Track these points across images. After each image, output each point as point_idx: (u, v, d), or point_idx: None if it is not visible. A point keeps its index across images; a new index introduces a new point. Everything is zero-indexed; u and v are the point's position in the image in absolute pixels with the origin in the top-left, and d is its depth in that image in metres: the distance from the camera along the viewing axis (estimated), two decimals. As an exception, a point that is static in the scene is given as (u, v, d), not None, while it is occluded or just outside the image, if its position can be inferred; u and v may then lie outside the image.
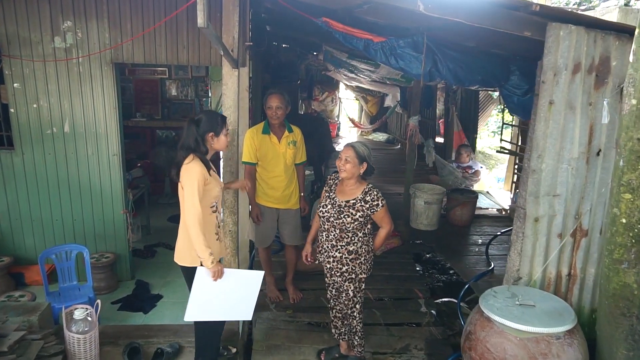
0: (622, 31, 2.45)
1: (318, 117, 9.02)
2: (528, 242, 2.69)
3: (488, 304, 2.48)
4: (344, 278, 3.01)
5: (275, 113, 3.56)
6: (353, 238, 2.93)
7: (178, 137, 7.37)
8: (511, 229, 4.89)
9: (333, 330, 3.30)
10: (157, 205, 6.85)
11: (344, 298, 3.08)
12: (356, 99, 13.99)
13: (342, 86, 12.88)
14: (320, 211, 3.01)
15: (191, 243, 2.58)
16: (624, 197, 2.10)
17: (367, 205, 2.87)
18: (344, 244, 2.94)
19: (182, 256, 2.78)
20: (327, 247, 3.02)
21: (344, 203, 2.90)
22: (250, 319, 2.86)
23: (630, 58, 2.01)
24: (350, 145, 2.90)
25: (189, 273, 2.73)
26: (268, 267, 4.08)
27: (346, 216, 2.89)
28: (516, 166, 6.41)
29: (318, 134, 6.13)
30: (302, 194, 3.92)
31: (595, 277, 2.81)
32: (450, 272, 4.98)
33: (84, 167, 4.34)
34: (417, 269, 5.01)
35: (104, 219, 4.49)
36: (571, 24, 2.34)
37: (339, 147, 9.61)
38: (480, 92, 7.03)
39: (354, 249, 2.94)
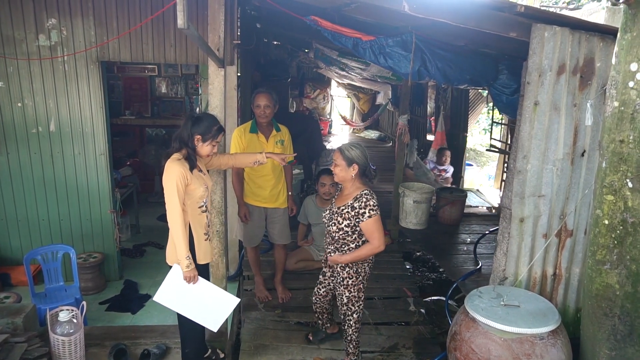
0: (607, 32, 2.45)
1: (308, 115, 8.99)
2: (514, 242, 2.70)
3: (473, 304, 2.49)
4: (339, 283, 2.98)
5: (263, 112, 3.54)
6: (343, 248, 2.81)
7: (168, 135, 7.34)
8: (497, 229, 4.95)
9: (318, 322, 3.42)
10: (147, 204, 6.79)
11: (338, 303, 3.07)
12: (348, 97, 13.98)
13: (333, 83, 12.86)
14: (323, 215, 3.01)
15: None
16: (606, 199, 2.11)
17: (353, 213, 2.69)
18: (333, 249, 2.89)
19: (172, 257, 2.76)
20: (326, 251, 3.03)
21: (336, 209, 2.81)
22: (215, 330, 2.87)
23: (613, 60, 2.02)
24: (337, 149, 2.83)
25: None
26: (257, 267, 4.07)
27: (333, 224, 2.79)
28: (505, 165, 6.44)
29: (308, 132, 6.12)
30: (290, 193, 3.91)
31: (580, 277, 2.83)
32: (440, 270, 5.00)
33: (70, 167, 4.29)
34: (407, 267, 5.03)
35: (92, 218, 4.45)
36: (556, 25, 2.35)
37: (330, 145, 9.61)
38: (470, 90, 7.04)
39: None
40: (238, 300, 2.86)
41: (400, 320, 3.91)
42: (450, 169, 6.57)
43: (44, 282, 3.82)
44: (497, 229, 4.93)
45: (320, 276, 3.21)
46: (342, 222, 2.74)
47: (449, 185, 6.33)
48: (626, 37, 1.92)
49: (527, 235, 2.69)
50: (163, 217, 6.24)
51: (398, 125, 4.84)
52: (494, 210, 6.49)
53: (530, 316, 2.36)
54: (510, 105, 4.85)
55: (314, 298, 3.29)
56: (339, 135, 13.20)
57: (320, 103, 12.45)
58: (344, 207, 2.75)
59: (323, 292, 3.20)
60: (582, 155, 2.61)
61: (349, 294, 2.94)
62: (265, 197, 3.72)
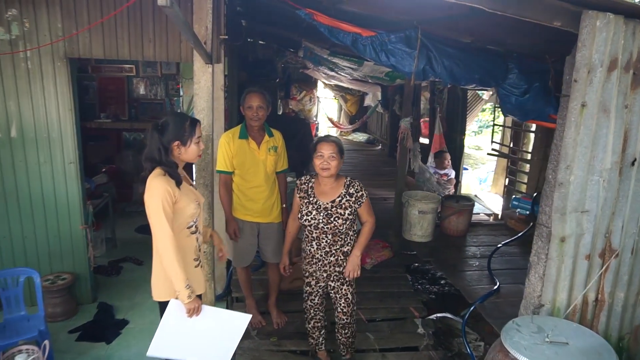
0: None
1: (297, 117, 8.59)
2: (552, 264, 2.34)
3: (513, 341, 2.11)
4: (342, 281, 2.86)
5: (256, 114, 3.12)
6: (346, 239, 2.79)
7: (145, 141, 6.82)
8: (512, 240, 4.62)
9: (311, 341, 3.14)
10: (124, 215, 6.29)
11: (342, 304, 2.91)
12: (335, 98, 13.63)
13: (320, 85, 12.48)
14: (305, 220, 2.75)
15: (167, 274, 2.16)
16: (681, 219, 1.76)
17: (353, 199, 2.72)
18: (338, 247, 2.78)
19: (159, 291, 2.30)
20: (321, 255, 2.81)
21: (330, 205, 2.71)
22: None
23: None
24: (330, 141, 2.71)
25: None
26: (248, 289, 3.64)
27: (336, 218, 2.70)
28: (508, 169, 6.13)
29: (299, 136, 5.72)
30: (284, 206, 3.49)
31: (624, 302, 2.49)
32: (442, 282, 4.63)
33: (35, 177, 3.78)
34: (409, 279, 4.65)
35: (60, 235, 3.94)
36: (610, 13, 2.00)
37: None
38: (468, 91, 6.73)
39: (348, 249, 2.81)
40: (249, 316, 2.45)
41: (408, 345, 3.53)
42: (452, 173, 6.27)
43: (3, 312, 3.30)
44: (511, 241, 4.65)
45: (307, 287, 2.99)
46: (345, 213, 2.71)
47: (453, 191, 6.03)
48: None
49: (568, 256, 2.33)
50: (142, 229, 5.80)
51: (400, 128, 4.47)
52: (492, 218, 6.19)
53: (583, 356, 2.00)
54: (519, 107, 4.52)
55: (312, 312, 3.04)
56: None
57: (307, 105, 12.05)
58: (340, 198, 2.72)
59: (318, 300, 3.00)
60: (633, 164, 2.27)
61: (352, 289, 2.90)
62: (258, 211, 3.29)
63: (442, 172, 6.16)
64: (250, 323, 3.58)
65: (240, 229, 3.32)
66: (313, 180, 2.78)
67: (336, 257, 2.80)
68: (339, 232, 2.72)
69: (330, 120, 12.45)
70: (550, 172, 2.31)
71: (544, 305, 2.42)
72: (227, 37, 3.70)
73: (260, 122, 3.17)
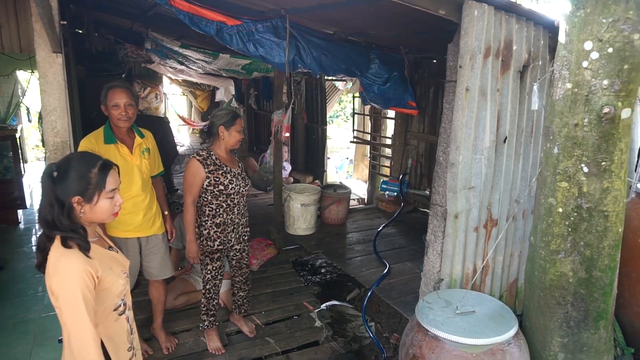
0: (520, 14, 2.40)
1: (156, 116, 7.85)
2: (449, 240, 2.50)
3: (429, 319, 2.19)
4: (246, 249, 3.15)
5: (125, 113, 2.67)
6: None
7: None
8: (390, 222, 4.89)
9: (211, 319, 3.14)
10: None
11: (245, 258, 3.15)
12: (183, 94, 12.83)
13: (166, 80, 11.59)
14: (231, 188, 2.83)
15: None
16: (560, 186, 2.01)
17: (241, 163, 3.04)
18: (245, 207, 3.07)
19: None
20: (239, 219, 2.99)
21: (240, 170, 2.95)
22: None
23: (562, 39, 1.90)
24: (239, 117, 2.88)
25: None
26: (129, 316, 3.14)
27: (248, 181, 3.01)
28: (370, 156, 6.50)
29: (159, 136, 5.14)
30: (166, 213, 3.10)
31: (502, 264, 2.80)
32: (322, 271, 4.70)
33: None
34: (298, 274, 4.61)
35: None
36: (485, 4, 2.17)
37: (182, 150, 8.62)
38: (326, 82, 6.92)
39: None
40: None
41: (309, 341, 3.48)
42: (288, 167, 6.48)
43: None
44: (390, 222, 4.91)
45: (217, 262, 3.01)
46: (247, 176, 3.03)
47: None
48: (579, 13, 1.81)
49: (461, 231, 2.52)
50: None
51: (273, 122, 4.35)
52: (360, 203, 6.53)
53: (491, 321, 2.17)
54: (382, 95, 4.81)
55: (218, 287, 3.09)
56: (178, 137, 12.01)
57: (153, 102, 11.08)
58: (240, 164, 3.01)
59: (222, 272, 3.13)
60: (504, 141, 2.54)
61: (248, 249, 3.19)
62: (139, 225, 2.84)
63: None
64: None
65: (121, 250, 2.82)
66: (212, 152, 2.84)
67: (246, 218, 3.08)
68: (245, 200, 3.01)
69: (181, 118, 11.69)
70: (440, 154, 2.45)
71: (443, 279, 2.58)
72: (65, 22, 3.10)
73: (131, 122, 2.73)
